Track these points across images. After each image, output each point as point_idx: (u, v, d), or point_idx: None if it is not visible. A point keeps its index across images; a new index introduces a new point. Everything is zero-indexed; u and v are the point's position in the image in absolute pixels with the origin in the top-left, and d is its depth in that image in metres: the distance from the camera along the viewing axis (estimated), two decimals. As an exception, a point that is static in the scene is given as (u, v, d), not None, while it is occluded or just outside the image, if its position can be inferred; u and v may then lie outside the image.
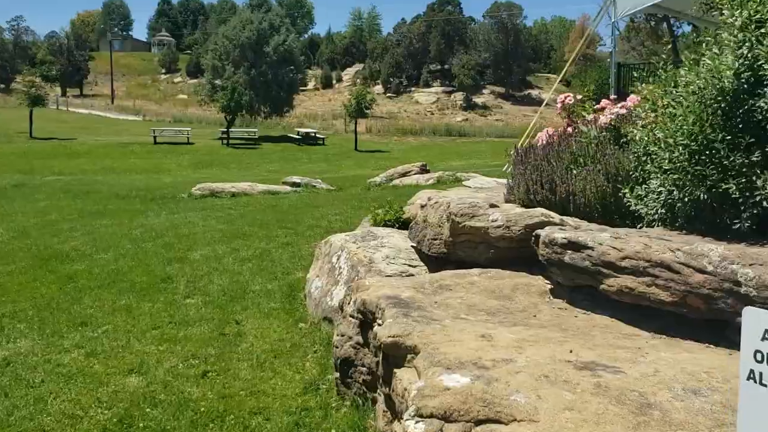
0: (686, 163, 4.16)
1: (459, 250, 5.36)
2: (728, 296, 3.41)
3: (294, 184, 17.06)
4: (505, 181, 10.09)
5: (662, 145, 4.44)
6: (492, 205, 5.32)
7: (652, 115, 5.23)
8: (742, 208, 3.90)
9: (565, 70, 18.92)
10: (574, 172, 5.53)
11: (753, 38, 3.94)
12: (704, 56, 4.21)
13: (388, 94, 60.35)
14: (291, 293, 6.93)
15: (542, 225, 4.86)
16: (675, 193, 4.44)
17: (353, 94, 37.08)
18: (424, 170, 17.90)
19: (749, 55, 3.93)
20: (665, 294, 3.65)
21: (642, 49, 42.23)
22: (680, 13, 16.89)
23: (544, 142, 6.29)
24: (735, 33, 4.06)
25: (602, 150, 5.47)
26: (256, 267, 8.01)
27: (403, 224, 6.98)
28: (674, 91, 4.60)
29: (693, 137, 4.13)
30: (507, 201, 6.11)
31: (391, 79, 62.52)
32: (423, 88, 58.24)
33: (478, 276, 4.78)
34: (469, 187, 9.48)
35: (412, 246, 6.06)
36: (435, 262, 5.65)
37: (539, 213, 4.99)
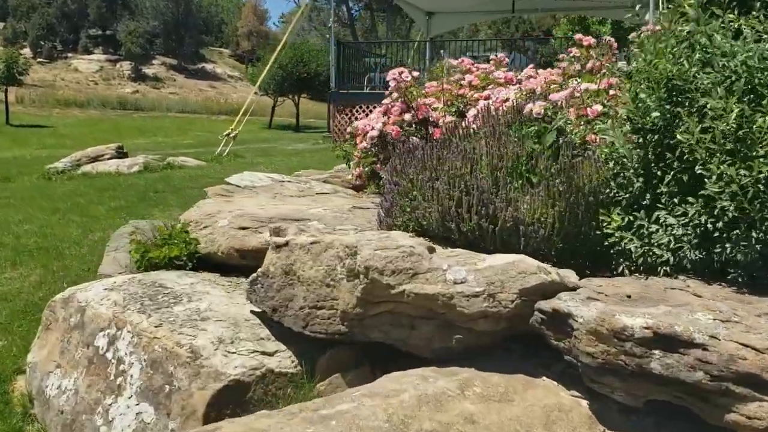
0: None
1: (375, 328, 3.09)
2: None
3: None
4: (278, 176, 7.87)
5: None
6: (430, 249, 3.13)
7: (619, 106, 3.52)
8: None
9: (279, 49, 16.90)
10: (514, 189, 3.57)
11: None
12: None
13: (40, 60, 52.58)
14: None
15: (548, 289, 2.83)
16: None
17: (1, 57, 30.67)
18: (122, 153, 14.55)
19: None
20: None
21: (323, 29, 41.99)
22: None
23: (438, 136, 4.22)
24: None
25: (565, 158, 3.58)
26: None
27: (199, 261, 4.39)
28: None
29: None
30: (390, 227, 3.96)
31: (42, 43, 54.53)
32: (83, 55, 51.52)
33: (460, 393, 2.59)
34: (239, 186, 6.98)
35: (253, 312, 3.58)
36: (314, 346, 3.29)
37: (533, 266, 2.93)
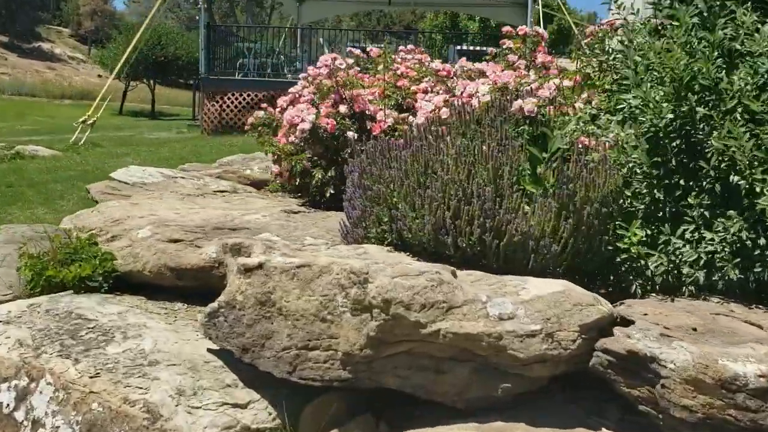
0: None
1: (387, 373, 2.49)
2: None
3: None
4: (169, 171, 6.97)
5: None
6: (453, 273, 2.57)
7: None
8: None
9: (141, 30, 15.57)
10: (516, 199, 3.10)
11: None
12: None
13: None
14: None
15: (605, 324, 2.37)
16: None
17: None
18: (-43, 141, 12.69)
19: None
20: None
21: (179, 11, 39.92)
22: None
23: (415, 133, 3.65)
24: None
25: (578, 164, 3.13)
26: None
27: (116, 281, 3.57)
28: None
29: None
30: (359, 239, 3.40)
31: None
32: None
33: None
34: (127, 183, 6.02)
35: (211, 350, 2.86)
36: (295, 392, 2.63)
37: (588, 297, 2.47)
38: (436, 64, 5.28)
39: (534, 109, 3.49)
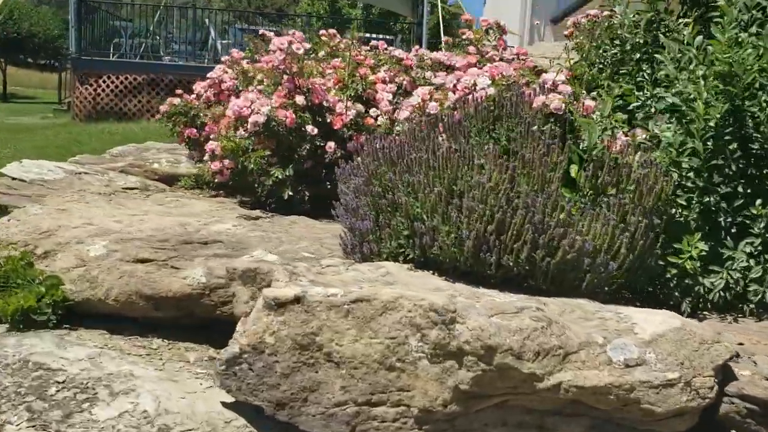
0: None
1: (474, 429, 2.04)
2: None
3: None
4: (69, 165, 6.07)
5: None
6: (537, 308, 2.14)
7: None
8: None
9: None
10: (561, 208, 2.73)
11: None
12: None
13: None
14: None
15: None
16: None
17: None
18: None
19: None
20: None
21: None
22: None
23: (420, 131, 3.16)
24: None
25: (629, 168, 2.79)
26: None
27: (66, 311, 2.86)
28: None
29: None
30: (367, 256, 2.93)
31: None
32: None
33: None
34: (24, 180, 5.12)
35: (225, 404, 2.28)
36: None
37: (708, 332, 2.11)
38: (399, 52, 4.82)
39: (561, 106, 3.12)
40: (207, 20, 14.11)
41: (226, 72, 6.05)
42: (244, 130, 4.36)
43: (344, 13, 23.00)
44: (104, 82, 13.74)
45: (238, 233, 3.30)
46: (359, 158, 3.27)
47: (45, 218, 3.56)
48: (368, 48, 5.19)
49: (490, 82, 3.56)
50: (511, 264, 2.65)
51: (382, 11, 22.05)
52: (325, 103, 4.47)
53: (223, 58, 6.37)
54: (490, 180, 2.70)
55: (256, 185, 4.54)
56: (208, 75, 6.08)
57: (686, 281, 2.81)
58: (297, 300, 2.19)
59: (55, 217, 3.62)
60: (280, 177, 4.17)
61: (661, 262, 2.82)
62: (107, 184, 5.37)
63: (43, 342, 2.56)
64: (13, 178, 5.10)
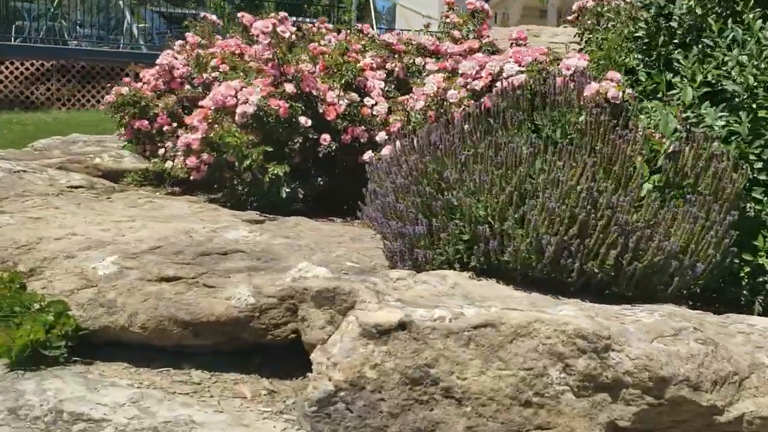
0: None
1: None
2: None
3: None
4: (4, 164, 5.42)
5: None
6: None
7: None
8: None
9: None
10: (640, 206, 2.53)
11: None
12: None
13: None
14: None
15: None
16: None
17: None
18: None
19: None
20: None
21: None
22: None
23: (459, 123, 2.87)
24: None
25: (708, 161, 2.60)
26: None
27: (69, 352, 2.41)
28: None
29: None
30: (419, 264, 2.64)
31: None
32: None
33: None
34: None
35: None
36: None
37: None
38: (389, 36, 4.49)
39: (618, 94, 2.90)
40: (121, 2, 13.18)
41: (176, 58, 5.56)
42: (229, 123, 3.93)
43: (257, -4, 22.15)
44: (7, 68, 12.64)
45: (259, 240, 2.92)
46: (393, 153, 2.95)
47: (20, 229, 3.06)
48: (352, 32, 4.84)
49: (518, 68, 3.30)
50: (595, 270, 2.41)
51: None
52: (314, 92, 4.10)
53: (178, 43, 5.85)
54: (572, 178, 2.44)
55: (235, 182, 4.14)
56: (158, 61, 5.57)
57: (760, 279, 2.65)
58: (402, 326, 1.87)
59: (30, 227, 3.12)
60: (279, 174, 3.78)
61: (737, 261, 2.66)
62: (51, 183, 4.80)
63: (67, 384, 2.12)
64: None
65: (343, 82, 4.20)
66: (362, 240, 3.40)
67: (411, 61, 4.44)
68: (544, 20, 16.04)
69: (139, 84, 5.57)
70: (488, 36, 4.83)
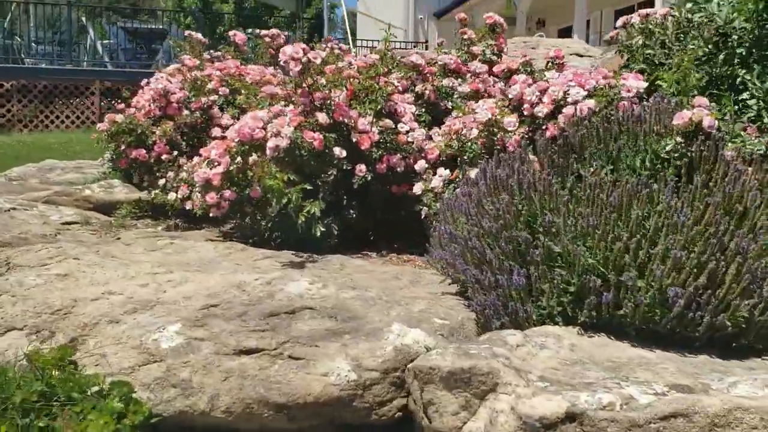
0: None
1: None
2: None
3: None
4: None
5: None
6: None
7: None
8: None
9: None
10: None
11: None
12: None
13: None
14: None
15: None
16: None
17: None
18: None
19: None
20: None
21: None
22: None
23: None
24: None
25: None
26: None
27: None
28: None
29: None
30: (519, 321, 2.39)
31: None
32: None
33: None
34: None
35: None
36: None
37: None
38: (415, 57, 4.22)
39: (714, 122, 2.68)
40: (83, 18, 12.64)
41: (170, 81, 5.21)
42: (259, 156, 3.61)
43: (215, 7, 21.66)
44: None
45: (326, 294, 2.61)
46: (465, 190, 2.69)
47: (51, 290, 2.71)
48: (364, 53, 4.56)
49: (584, 92, 3.07)
50: (727, 323, 2.19)
51: (257, 4, 20.99)
52: (346, 120, 3.81)
53: (172, 65, 5.50)
54: (697, 222, 2.21)
55: (258, 218, 3.83)
56: (150, 84, 5.22)
57: None
58: (571, 418, 1.60)
59: (60, 286, 2.77)
60: (315, 212, 3.47)
61: None
62: (44, 221, 4.45)
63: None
64: None
65: (378, 108, 3.92)
66: (421, 282, 3.13)
67: (440, 83, 4.18)
68: (513, 27, 15.96)
69: (132, 110, 5.21)
70: (505, 49, 4.63)
